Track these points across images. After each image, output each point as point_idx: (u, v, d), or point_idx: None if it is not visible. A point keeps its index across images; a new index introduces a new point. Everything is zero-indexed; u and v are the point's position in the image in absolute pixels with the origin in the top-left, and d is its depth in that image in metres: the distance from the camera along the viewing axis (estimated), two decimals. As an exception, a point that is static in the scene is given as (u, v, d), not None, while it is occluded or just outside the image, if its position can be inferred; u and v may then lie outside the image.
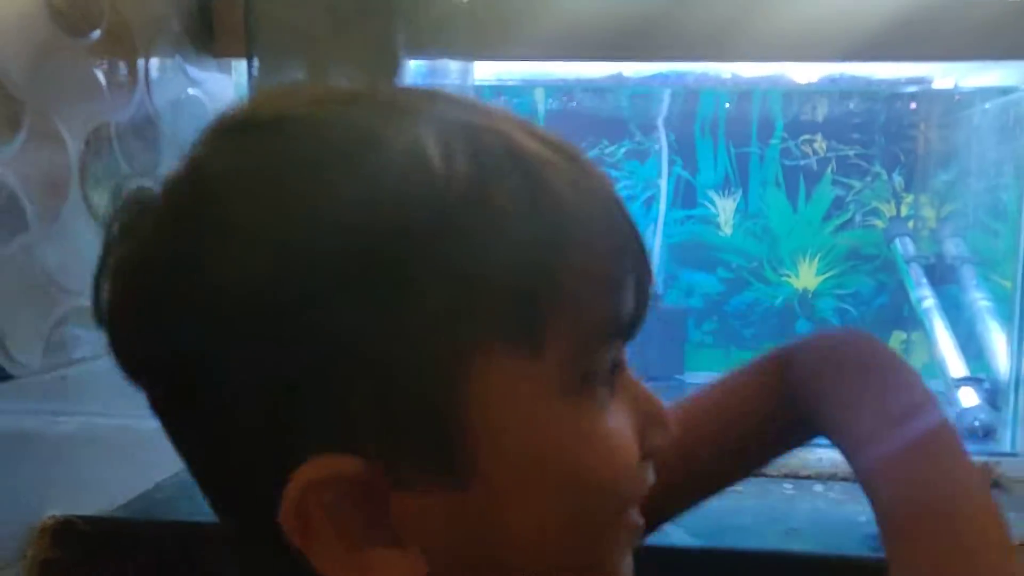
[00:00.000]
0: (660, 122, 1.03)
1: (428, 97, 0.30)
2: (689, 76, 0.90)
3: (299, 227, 0.27)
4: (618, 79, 0.90)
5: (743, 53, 0.78)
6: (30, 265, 0.57)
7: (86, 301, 0.65)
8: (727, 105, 1.02)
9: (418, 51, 0.72)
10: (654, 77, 0.91)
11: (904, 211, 1.03)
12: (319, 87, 0.32)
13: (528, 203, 0.28)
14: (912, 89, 0.98)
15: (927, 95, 0.99)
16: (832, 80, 0.91)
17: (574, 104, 1.02)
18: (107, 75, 0.64)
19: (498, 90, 0.96)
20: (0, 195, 0.54)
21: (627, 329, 0.31)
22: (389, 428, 0.27)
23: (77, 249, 0.62)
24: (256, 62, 0.70)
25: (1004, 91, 0.85)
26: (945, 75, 0.91)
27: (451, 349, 0.27)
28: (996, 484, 0.79)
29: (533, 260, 0.28)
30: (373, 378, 0.27)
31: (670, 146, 1.03)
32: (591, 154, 0.93)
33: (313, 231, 0.27)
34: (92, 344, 0.64)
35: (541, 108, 1.03)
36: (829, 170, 1.03)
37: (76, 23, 0.61)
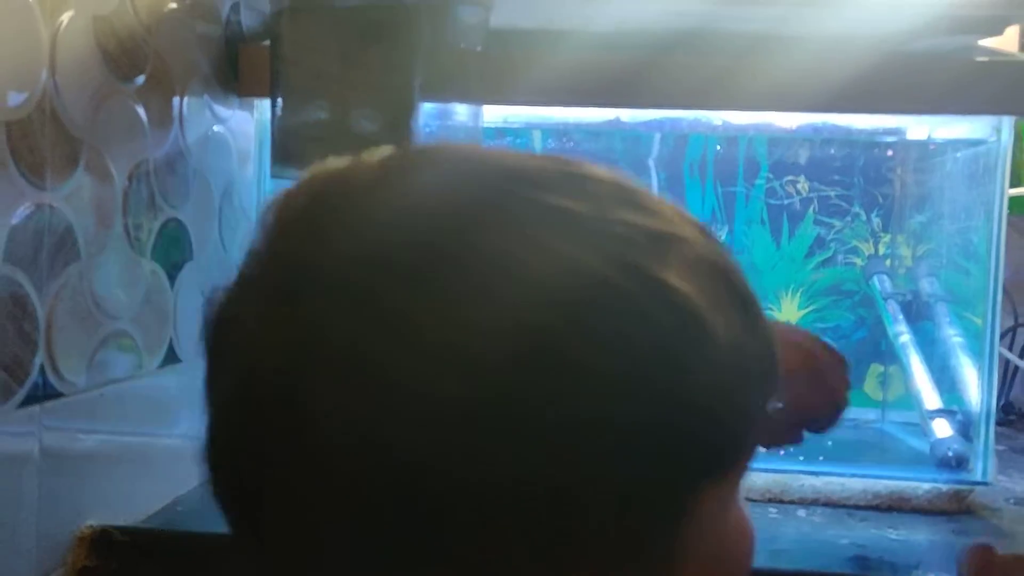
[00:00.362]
0: (651, 162, 1.06)
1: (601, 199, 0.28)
2: (683, 122, 0.95)
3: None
4: (616, 124, 0.95)
5: (732, 102, 0.83)
6: (80, 291, 0.61)
7: (123, 325, 0.70)
8: (718, 148, 1.06)
9: (434, 94, 0.77)
10: (650, 122, 0.96)
11: (882, 250, 1.06)
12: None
13: (748, 331, 0.27)
14: (889, 139, 1.03)
15: (903, 144, 1.03)
16: (815, 128, 0.96)
17: (571, 145, 1.05)
18: (149, 115, 0.69)
19: (501, 131, 1.00)
20: (59, 227, 0.58)
21: None
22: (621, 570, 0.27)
23: (118, 276, 0.66)
24: (280, 102, 0.74)
25: (974, 143, 0.90)
26: (919, 126, 0.97)
27: (688, 489, 0.27)
28: (969, 511, 0.83)
29: (756, 394, 0.28)
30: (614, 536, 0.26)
31: (660, 185, 1.06)
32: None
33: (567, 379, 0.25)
34: (125, 365, 0.68)
35: (539, 148, 1.06)
36: (811, 210, 1.05)
37: (125, 68, 0.66)
